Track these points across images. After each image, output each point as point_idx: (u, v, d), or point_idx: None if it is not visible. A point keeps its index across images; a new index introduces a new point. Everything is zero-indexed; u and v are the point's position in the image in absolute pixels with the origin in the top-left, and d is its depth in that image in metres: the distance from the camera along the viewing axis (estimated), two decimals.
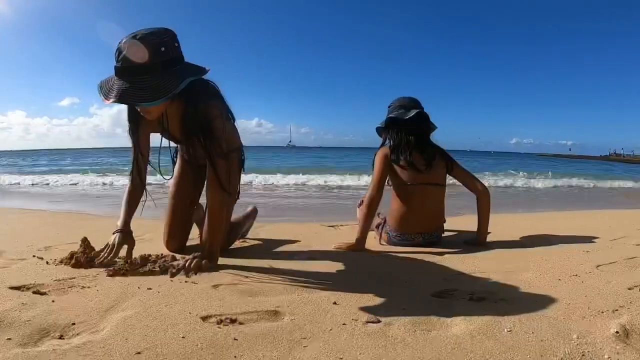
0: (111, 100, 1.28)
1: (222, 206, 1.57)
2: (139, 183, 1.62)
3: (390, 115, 2.14)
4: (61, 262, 1.53)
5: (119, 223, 1.57)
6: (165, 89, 1.30)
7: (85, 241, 1.57)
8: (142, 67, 1.29)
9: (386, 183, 2.09)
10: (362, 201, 2.35)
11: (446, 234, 2.27)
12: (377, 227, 2.18)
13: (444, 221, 2.19)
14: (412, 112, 2.07)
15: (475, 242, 2.10)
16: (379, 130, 2.25)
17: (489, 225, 2.10)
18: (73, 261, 1.50)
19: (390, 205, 2.11)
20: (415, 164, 2.02)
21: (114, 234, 1.54)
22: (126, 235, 1.54)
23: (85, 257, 1.51)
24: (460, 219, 2.80)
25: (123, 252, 1.52)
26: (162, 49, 1.32)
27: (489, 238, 2.14)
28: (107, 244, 1.53)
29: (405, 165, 2.02)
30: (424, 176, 2.02)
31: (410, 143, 2.04)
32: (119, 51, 1.31)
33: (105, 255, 1.50)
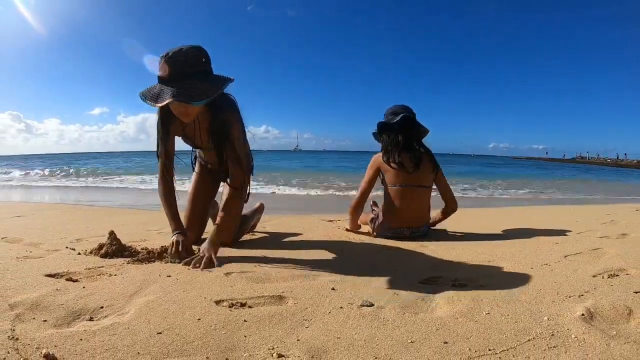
0: (167, 100, 1.29)
1: (236, 202, 1.58)
2: (169, 181, 1.62)
3: (380, 121, 2.16)
4: (91, 252, 1.53)
5: (173, 227, 1.56)
6: (210, 91, 1.35)
7: (112, 234, 1.57)
8: (189, 73, 1.34)
9: (381, 182, 2.14)
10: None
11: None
12: (371, 221, 2.17)
13: (430, 217, 2.19)
14: (399, 117, 2.09)
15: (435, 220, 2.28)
16: (375, 136, 2.26)
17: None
18: (102, 251, 1.50)
19: (383, 201, 2.12)
20: (404, 164, 2.02)
21: (172, 235, 1.53)
22: (182, 234, 1.53)
23: (112, 248, 1.51)
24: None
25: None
26: (203, 60, 1.40)
27: (469, 231, 2.14)
28: (171, 242, 1.50)
29: (396, 166, 2.03)
30: (412, 178, 2.02)
31: (399, 143, 2.05)
32: (168, 60, 1.33)
33: (172, 252, 1.47)
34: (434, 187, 2.18)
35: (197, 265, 1.37)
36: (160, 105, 1.31)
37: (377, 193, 2.47)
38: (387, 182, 2.09)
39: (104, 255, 1.48)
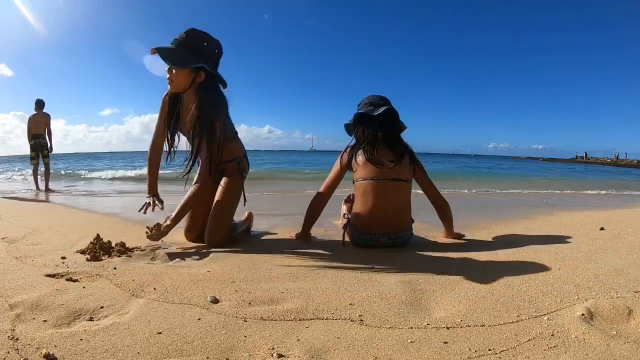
0: (152, 49, 1.57)
1: (199, 189, 1.75)
2: (159, 146, 1.82)
3: (359, 112, 1.87)
4: (91, 251, 1.53)
5: (148, 190, 1.87)
6: (183, 60, 1.58)
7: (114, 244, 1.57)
8: (182, 42, 1.59)
9: (352, 183, 1.87)
10: (349, 196, 2.19)
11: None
12: (344, 227, 1.89)
13: (412, 221, 1.85)
14: (381, 109, 1.81)
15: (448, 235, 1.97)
16: (348, 128, 1.96)
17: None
18: (102, 251, 1.51)
19: (354, 204, 1.83)
20: (382, 159, 1.74)
21: (147, 197, 1.85)
22: (155, 197, 1.86)
23: (112, 248, 1.52)
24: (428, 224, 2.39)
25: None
26: (204, 44, 1.61)
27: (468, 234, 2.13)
28: (146, 202, 1.83)
29: (371, 160, 1.75)
30: (390, 171, 1.73)
31: (377, 139, 1.79)
32: (185, 31, 1.61)
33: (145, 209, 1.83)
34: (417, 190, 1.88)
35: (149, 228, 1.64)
36: (152, 52, 1.58)
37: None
38: (358, 177, 1.79)
39: (104, 255, 1.48)
